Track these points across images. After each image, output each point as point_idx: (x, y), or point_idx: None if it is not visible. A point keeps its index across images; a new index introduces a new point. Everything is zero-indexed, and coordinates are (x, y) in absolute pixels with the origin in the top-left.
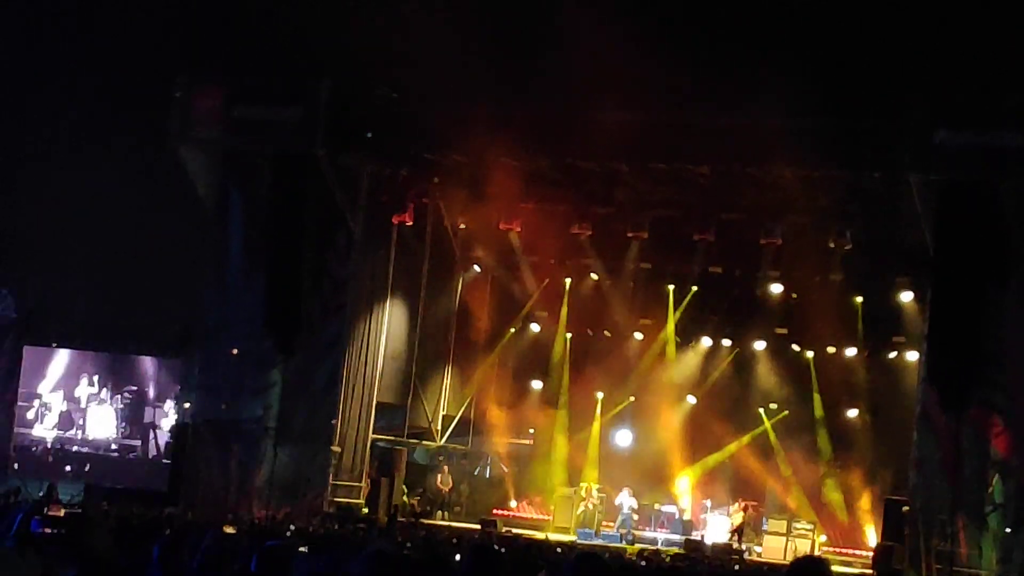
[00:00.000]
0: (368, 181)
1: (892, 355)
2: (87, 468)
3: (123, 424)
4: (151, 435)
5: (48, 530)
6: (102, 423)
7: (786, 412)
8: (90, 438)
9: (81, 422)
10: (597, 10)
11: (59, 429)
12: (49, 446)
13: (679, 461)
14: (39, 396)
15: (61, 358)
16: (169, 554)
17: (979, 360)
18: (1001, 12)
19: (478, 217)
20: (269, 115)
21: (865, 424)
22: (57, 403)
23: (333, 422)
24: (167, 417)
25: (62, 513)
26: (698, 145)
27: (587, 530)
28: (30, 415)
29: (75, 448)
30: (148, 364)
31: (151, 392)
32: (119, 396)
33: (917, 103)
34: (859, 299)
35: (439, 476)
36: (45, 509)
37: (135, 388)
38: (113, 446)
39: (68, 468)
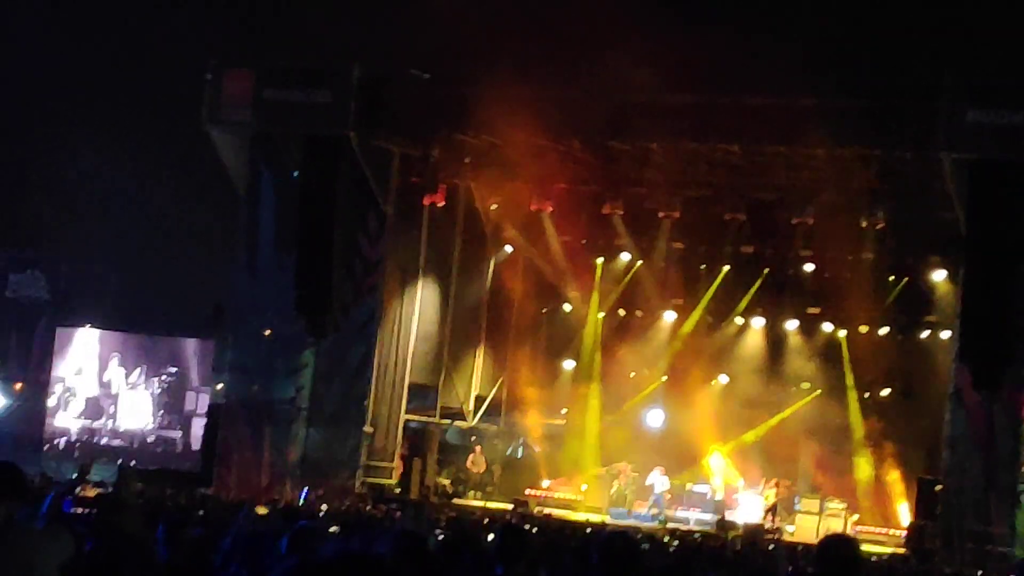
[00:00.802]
0: (399, 162)
1: (925, 334)
2: (119, 463)
3: (160, 412)
4: (192, 424)
5: (79, 510)
6: (136, 411)
7: (819, 391)
8: (122, 428)
9: (112, 410)
10: None
11: (86, 418)
12: (74, 438)
13: (711, 441)
14: (62, 380)
15: (87, 338)
16: (174, 532)
17: (1012, 339)
18: None
19: (510, 198)
20: (300, 97)
21: (898, 403)
22: (83, 388)
23: (365, 403)
24: None
25: (93, 494)
26: (729, 124)
27: (619, 509)
28: (51, 402)
29: (104, 440)
30: (189, 346)
31: (193, 376)
32: (156, 380)
33: (949, 82)
34: (891, 278)
35: (471, 456)
36: (77, 490)
37: (175, 370)
38: (149, 438)
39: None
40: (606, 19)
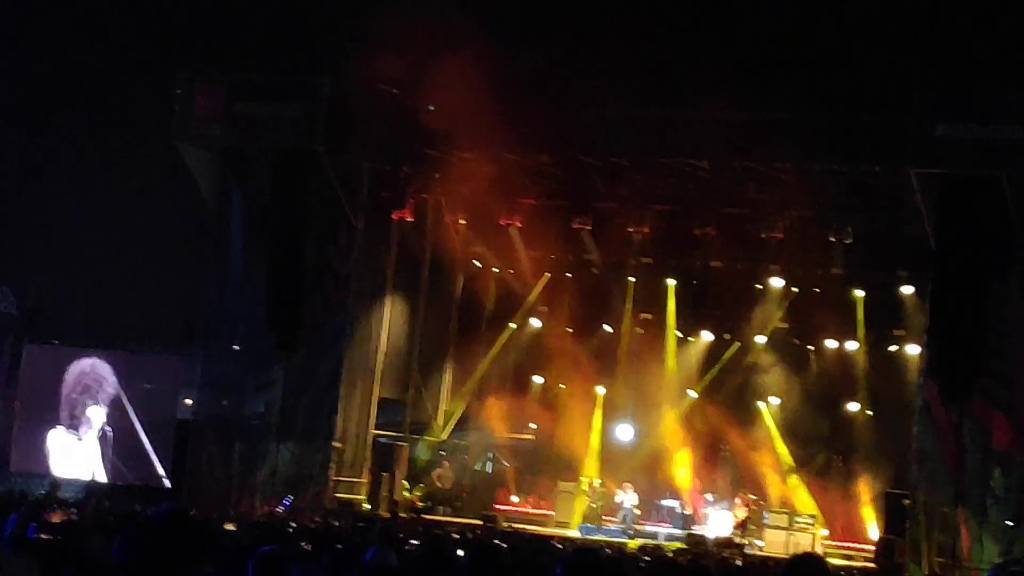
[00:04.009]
0: (369, 177)
1: (893, 348)
2: (88, 480)
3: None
4: None
5: (44, 536)
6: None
7: (787, 406)
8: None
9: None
10: (598, 4)
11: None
12: None
13: (680, 455)
14: None
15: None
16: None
17: (980, 353)
18: (1000, 4)
19: (479, 212)
20: (270, 112)
21: (866, 417)
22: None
23: (335, 418)
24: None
25: (58, 519)
26: (699, 139)
27: (588, 525)
28: None
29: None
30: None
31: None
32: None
33: (917, 96)
34: (860, 293)
35: (440, 471)
36: (44, 513)
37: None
38: None
39: None
40: (575, 33)
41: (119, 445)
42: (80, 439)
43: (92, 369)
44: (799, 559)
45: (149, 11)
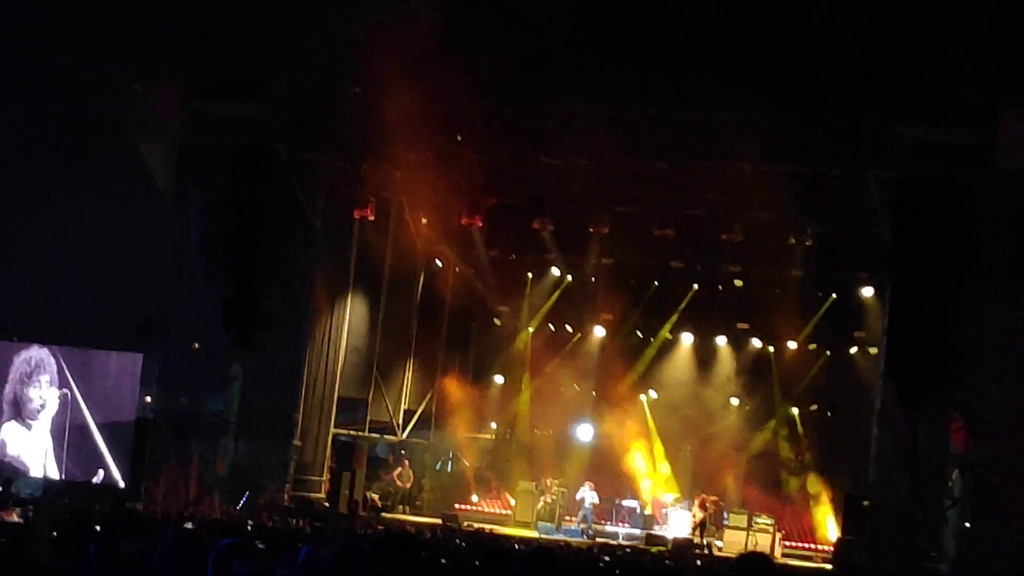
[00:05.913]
0: (328, 175)
1: (853, 350)
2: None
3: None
4: None
5: None
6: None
7: (747, 407)
8: None
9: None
10: (556, 5)
11: None
12: None
13: (640, 455)
14: None
15: None
16: (107, 547)
17: (938, 355)
18: (958, 9)
19: (440, 212)
20: (228, 109)
21: (825, 419)
22: None
23: (294, 416)
24: None
25: (13, 516)
26: (658, 140)
27: (548, 524)
28: None
29: None
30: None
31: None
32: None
33: (875, 99)
34: (820, 294)
35: (400, 470)
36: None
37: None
38: None
39: None
40: (535, 33)
41: (72, 443)
42: (30, 429)
43: (28, 355)
44: (746, 557)
45: (107, 8)
